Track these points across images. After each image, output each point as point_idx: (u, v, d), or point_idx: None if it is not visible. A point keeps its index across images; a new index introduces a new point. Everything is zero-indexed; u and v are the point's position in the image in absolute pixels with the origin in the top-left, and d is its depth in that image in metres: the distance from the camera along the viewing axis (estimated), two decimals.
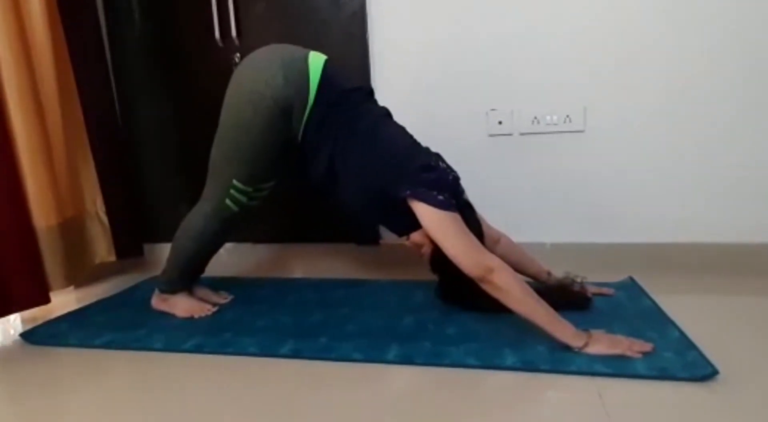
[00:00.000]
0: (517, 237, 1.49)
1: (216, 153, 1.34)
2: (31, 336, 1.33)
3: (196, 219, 1.39)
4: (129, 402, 1.01)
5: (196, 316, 1.41)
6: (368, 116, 1.28)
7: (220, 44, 1.89)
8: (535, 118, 1.69)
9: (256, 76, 1.23)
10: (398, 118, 1.81)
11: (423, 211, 1.17)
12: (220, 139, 1.32)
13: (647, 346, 1.05)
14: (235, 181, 1.31)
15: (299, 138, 1.27)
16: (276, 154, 1.30)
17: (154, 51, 1.98)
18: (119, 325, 1.38)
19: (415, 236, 1.30)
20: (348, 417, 0.92)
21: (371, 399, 0.98)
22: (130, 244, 1.89)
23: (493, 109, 1.72)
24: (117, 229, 1.81)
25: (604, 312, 1.28)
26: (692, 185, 1.61)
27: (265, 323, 1.34)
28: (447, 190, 1.20)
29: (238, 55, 1.89)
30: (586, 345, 1.05)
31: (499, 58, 1.69)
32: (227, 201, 1.34)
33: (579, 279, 1.36)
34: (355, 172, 1.24)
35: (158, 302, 1.47)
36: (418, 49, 1.76)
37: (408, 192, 1.18)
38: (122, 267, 1.96)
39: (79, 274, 1.68)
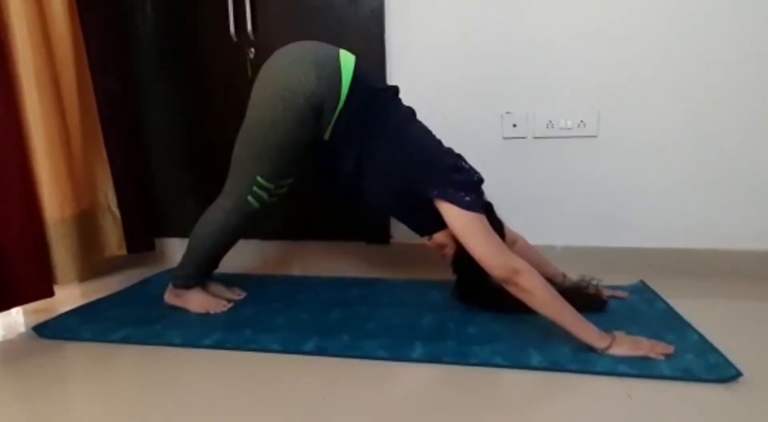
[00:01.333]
0: (528, 240, 1.51)
1: (241, 149, 1.32)
2: (43, 330, 1.31)
3: (216, 214, 1.37)
4: (150, 398, 1.00)
5: (211, 312, 1.40)
6: (396, 116, 1.28)
7: (235, 39, 1.87)
8: (550, 122, 1.71)
9: (289, 73, 1.22)
10: None
11: (450, 212, 1.18)
12: (247, 134, 1.31)
13: (669, 349, 1.07)
14: (258, 178, 1.31)
15: (327, 136, 1.27)
16: (302, 151, 1.30)
17: (166, 44, 1.96)
18: (133, 320, 1.36)
19: (439, 237, 1.30)
20: (378, 414, 0.92)
21: (398, 396, 0.98)
22: (141, 239, 1.87)
23: (508, 112, 1.74)
24: (128, 223, 1.79)
25: (620, 315, 1.30)
26: (703, 191, 1.65)
27: (283, 320, 1.33)
28: (473, 191, 1.21)
29: (252, 50, 1.88)
30: (609, 346, 1.07)
31: (516, 62, 1.71)
32: (249, 197, 1.33)
33: (594, 282, 1.38)
34: (382, 172, 1.24)
35: (172, 297, 1.45)
36: (435, 50, 1.77)
37: (436, 192, 1.18)
38: (127, 261, 1.93)
39: (89, 268, 1.65)
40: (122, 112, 1.80)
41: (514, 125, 1.74)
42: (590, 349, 1.08)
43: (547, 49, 1.68)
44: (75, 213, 1.57)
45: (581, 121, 1.69)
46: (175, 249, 2.07)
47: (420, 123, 1.33)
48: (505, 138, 1.76)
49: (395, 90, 1.35)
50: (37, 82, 1.43)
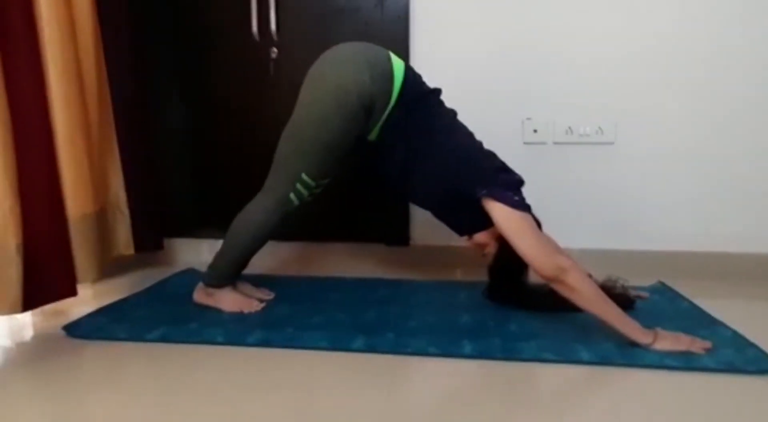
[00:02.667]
0: None
1: (287, 146, 1.32)
2: (74, 330, 1.26)
3: (256, 213, 1.36)
4: (200, 395, 0.98)
5: (245, 311, 1.38)
6: (442, 118, 1.31)
7: (257, 38, 1.86)
8: (569, 128, 1.77)
9: (342, 72, 1.23)
10: None
11: (499, 211, 1.20)
12: (295, 132, 1.30)
13: (707, 344, 1.12)
14: (303, 175, 1.30)
15: (373, 137, 1.28)
16: (347, 150, 1.31)
17: (186, 43, 1.94)
18: (166, 319, 1.32)
19: (480, 236, 1.33)
20: (438, 409, 0.93)
21: (454, 391, 1.00)
22: (149, 238, 1.82)
23: (528, 118, 1.79)
24: (137, 222, 1.74)
25: (646, 313, 1.34)
26: (717, 196, 1.73)
27: (321, 319, 1.33)
28: (519, 191, 1.24)
29: (275, 49, 1.88)
30: (653, 342, 1.11)
31: (537, 70, 1.76)
32: (291, 195, 1.33)
33: (621, 282, 1.43)
34: (429, 172, 1.26)
35: (203, 296, 1.43)
36: (458, 56, 1.81)
37: (484, 191, 1.21)
38: (133, 261, 1.87)
39: (104, 267, 1.60)
40: (137, 112, 1.76)
41: (535, 131, 1.79)
42: (634, 345, 1.12)
43: (567, 58, 1.75)
44: (94, 210, 1.52)
45: (599, 128, 1.76)
46: (182, 250, 2.03)
47: (463, 125, 1.36)
48: (525, 143, 1.81)
49: (439, 92, 1.38)
50: (63, 78, 1.39)
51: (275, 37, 1.86)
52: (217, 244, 2.00)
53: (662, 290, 1.54)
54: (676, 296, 1.49)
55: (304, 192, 1.34)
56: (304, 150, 1.29)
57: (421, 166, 1.26)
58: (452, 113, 1.37)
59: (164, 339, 1.21)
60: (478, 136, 1.76)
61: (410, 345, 1.16)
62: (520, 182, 1.30)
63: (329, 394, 0.98)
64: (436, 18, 1.80)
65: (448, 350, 1.13)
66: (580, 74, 1.75)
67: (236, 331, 1.24)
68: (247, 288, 1.51)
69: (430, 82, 1.82)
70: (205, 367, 1.09)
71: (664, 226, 1.77)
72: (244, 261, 1.45)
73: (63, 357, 1.14)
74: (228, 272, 1.41)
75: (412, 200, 1.32)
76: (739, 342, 1.15)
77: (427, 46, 1.82)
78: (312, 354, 1.15)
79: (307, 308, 1.41)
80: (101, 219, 1.62)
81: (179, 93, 1.97)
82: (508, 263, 1.27)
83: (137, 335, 1.23)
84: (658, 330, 1.14)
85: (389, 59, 1.27)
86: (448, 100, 1.82)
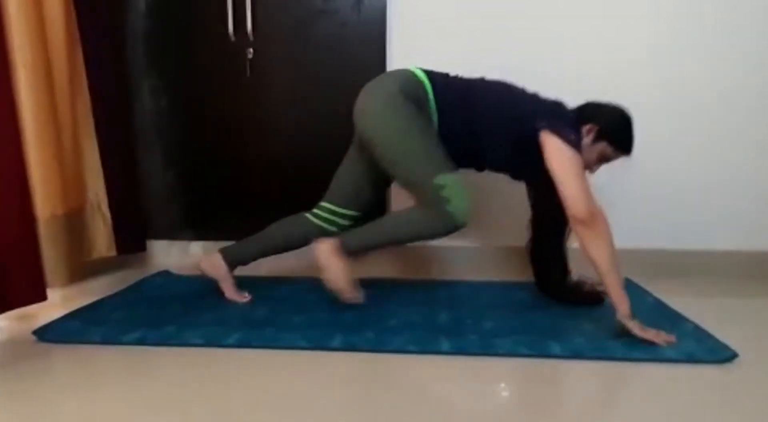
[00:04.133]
0: (520, 241, 1.61)
1: (403, 174, 1.31)
2: (46, 334, 1.23)
3: (427, 221, 1.29)
4: (178, 397, 0.97)
5: (347, 295, 1.34)
6: (479, 81, 1.39)
7: (233, 39, 1.85)
8: None
9: (376, 91, 1.33)
10: None
11: (554, 144, 1.23)
12: (396, 159, 1.30)
13: (671, 338, 1.18)
14: (435, 181, 1.25)
15: (437, 125, 1.33)
16: (437, 139, 1.31)
17: (163, 43, 1.91)
18: (142, 321, 1.30)
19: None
20: (417, 405, 0.96)
21: (430, 386, 1.03)
22: (131, 240, 1.79)
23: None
24: (119, 224, 1.71)
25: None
26: (680, 194, 1.82)
27: (302, 319, 1.33)
28: (578, 132, 1.27)
29: (251, 50, 1.87)
30: (633, 318, 1.18)
31: (513, 71, 1.78)
32: (448, 207, 1.25)
33: (590, 281, 1.49)
34: (495, 129, 1.31)
35: (330, 255, 1.33)
36: (434, 57, 1.82)
37: (544, 123, 1.24)
38: (110, 263, 1.83)
39: (79, 270, 1.56)
40: (116, 111, 1.73)
41: None
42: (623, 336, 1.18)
43: (544, 60, 1.80)
44: (65, 212, 1.48)
45: None
46: (160, 252, 2.00)
47: (513, 84, 1.41)
48: None
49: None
50: (32, 76, 1.36)
51: (251, 38, 1.85)
52: (196, 246, 2.01)
53: (629, 286, 1.60)
54: (643, 292, 1.56)
55: (455, 188, 1.27)
56: (414, 160, 1.28)
57: (486, 128, 1.31)
58: (496, 82, 1.41)
59: (141, 341, 1.20)
60: None
61: (390, 343, 1.18)
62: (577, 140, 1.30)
63: (308, 393, 0.99)
64: (413, 19, 1.83)
65: (427, 347, 1.16)
66: (556, 76, 1.79)
67: (215, 333, 1.23)
68: (229, 287, 1.49)
69: None
70: (183, 369, 1.09)
71: (629, 224, 1.84)
72: (380, 248, 1.39)
73: (34, 362, 1.11)
74: (364, 251, 1.37)
75: (489, 167, 1.39)
76: (700, 334, 1.22)
77: (403, 47, 1.84)
78: (291, 353, 1.16)
79: (288, 308, 1.41)
80: (76, 221, 1.59)
81: (156, 93, 1.94)
82: (546, 258, 1.30)
83: (113, 338, 1.21)
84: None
85: (404, 68, 1.39)
86: None
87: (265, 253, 1.50)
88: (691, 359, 1.10)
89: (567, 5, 1.79)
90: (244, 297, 1.49)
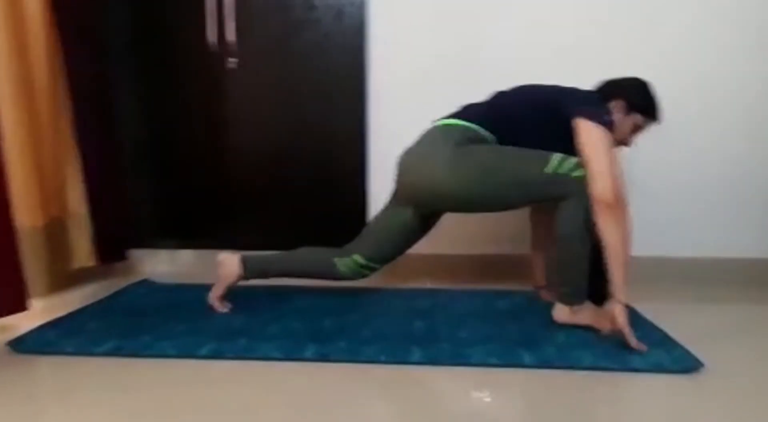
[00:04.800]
0: (501, 249, 1.62)
1: (519, 196, 1.32)
2: (20, 345, 1.23)
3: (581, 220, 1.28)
4: (153, 411, 0.98)
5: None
6: (498, 95, 1.46)
7: (215, 48, 1.87)
8: None
9: (431, 161, 1.34)
10: (394, 130, 1.90)
11: (585, 128, 1.24)
12: (501, 194, 1.31)
13: (643, 346, 1.19)
14: (548, 167, 1.26)
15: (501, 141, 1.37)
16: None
17: (145, 52, 1.92)
18: (117, 332, 1.31)
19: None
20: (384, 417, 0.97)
21: (400, 398, 1.04)
22: (112, 249, 1.79)
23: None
24: (100, 233, 1.71)
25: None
26: (656, 201, 1.84)
27: (277, 329, 1.34)
28: (610, 118, 1.29)
29: (233, 60, 1.89)
30: (626, 306, 1.20)
31: (494, 78, 1.80)
32: (575, 174, 1.25)
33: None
34: (532, 120, 1.34)
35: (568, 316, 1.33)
36: (415, 65, 1.86)
37: (578, 109, 1.26)
38: (93, 273, 1.83)
39: (61, 280, 1.56)
40: (97, 119, 1.74)
41: None
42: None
43: (525, 66, 1.81)
44: (46, 222, 1.49)
45: None
46: (143, 261, 2.01)
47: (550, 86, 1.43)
48: None
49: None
50: (13, 87, 1.37)
51: (233, 48, 1.87)
52: (179, 254, 2.01)
53: None
54: None
55: (566, 160, 1.26)
56: (512, 175, 1.29)
57: (528, 129, 1.35)
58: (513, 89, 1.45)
59: (114, 352, 1.20)
60: None
61: (362, 353, 1.19)
62: (609, 119, 1.31)
63: (279, 404, 1.00)
64: (394, 29, 1.85)
65: (398, 357, 1.17)
66: (536, 80, 1.82)
67: (188, 343, 1.24)
68: (219, 292, 1.50)
69: (388, 92, 1.89)
70: (155, 381, 1.09)
71: None
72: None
73: (6, 374, 1.12)
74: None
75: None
76: (668, 343, 1.24)
77: (385, 57, 1.86)
78: (264, 364, 1.16)
79: (264, 318, 1.42)
80: (57, 231, 1.59)
81: (138, 103, 1.95)
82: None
83: (86, 349, 1.21)
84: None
85: (432, 130, 1.42)
86: (406, 111, 1.89)
87: (283, 275, 1.53)
88: (658, 369, 1.11)
89: (550, 12, 1.82)
90: (224, 307, 1.50)
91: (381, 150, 1.92)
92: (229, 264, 1.49)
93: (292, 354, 1.18)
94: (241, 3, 1.85)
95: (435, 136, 1.38)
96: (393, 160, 1.93)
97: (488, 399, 1.02)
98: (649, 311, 1.46)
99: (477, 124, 1.35)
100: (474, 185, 1.30)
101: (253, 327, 1.35)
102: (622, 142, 1.42)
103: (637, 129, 1.41)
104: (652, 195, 1.85)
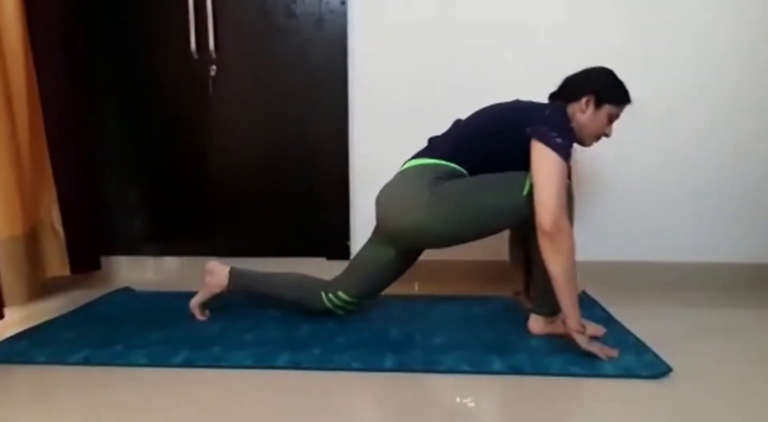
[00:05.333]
0: (480, 256, 1.62)
1: (498, 223, 1.32)
2: None
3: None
4: (121, 420, 0.98)
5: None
6: (461, 123, 1.45)
7: (196, 56, 1.87)
8: None
9: (408, 202, 1.31)
10: (374, 138, 1.92)
11: (537, 149, 1.22)
12: (481, 222, 1.29)
13: (614, 352, 1.20)
14: (525, 190, 1.25)
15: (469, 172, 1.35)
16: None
17: (123, 59, 1.92)
18: (91, 341, 1.31)
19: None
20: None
21: (372, 406, 1.04)
22: (86, 258, 1.78)
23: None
24: (72, 242, 1.71)
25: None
26: (637, 207, 1.86)
27: (252, 337, 1.34)
28: (566, 135, 1.25)
29: (214, 67, 1.89)
30: (584, 332, 1.20)
31: (474, 88, 1.83)
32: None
33: None
34: (497, 143, 1.32)
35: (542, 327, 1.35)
36: (395, 74, 1.88)
37: (530, 129, 1.24)
38: (69, 281, 1.82)
39: (38, 289, 1.56)
40: (70, 127, 1.73)
41: None
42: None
43: (505, 77, 1.83)
44: (24, 231, 1.49)
45: None
46: (124, 268, 2.00)
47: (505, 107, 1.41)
48: None
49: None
50: None
51: (214, 55, 1.87)
52: (163, 261, 2.01)
53: (582, 299, 1.63)
54: (594, 304, 1.59)
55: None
56: (492, 207, 1.28)
57: (497, 152, 1.33)
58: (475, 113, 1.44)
59: (87, 362, 1.20)
60: (414, 150, 1.82)
61: (334, 360, 1.19)
62: (571, 135, 1.29)
63: (250, 414, 1.00)
64: (374, 37, 1.86)
65: (370, 364, 1.17)
66: (516, 92, 1.84)
67: (161, 352, 1.24)
68: (201, 300, 1.50)
69: (368, 99, 1.90)
70: (124, 391, 1.09)
71: (586, 238, 1.87)
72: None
73: None
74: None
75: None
76: (640, 348, 1.24)
77: (365, 65, 1.87)
78: (236, 373, 1.16)
79: (242, 325, 1.42)
80: (32, 240, 1.59)
81: (118, 109, 1.95)
82: None
83: (58, 358, 1.21)
84: (586, 323, 1.23)
85: (406, 170, 1.39)
86: (386, 118, 1.90)
87: (266, 296, 1.51)
88: (627, 374, 1.12)
89: (528, 21, 1.84)
90: (204, 315, 1.50)
91: (364, 155, 1.93)
92: (217, 273, 1.48)
93: (263, 362, 1.18)
94: (222, 11, 1.86)
95: (410, 176, 1.35)
96: (376, 164, 1.95)
97: (472, 405, 1.01)
98: (623, 314, 1.47)
99: (447, 160, 1.33)
100: (455, 223, 1.29)
101: (229, 335, 1.35)
102: (599, 135, 1.39)
103: (612, 118, 1.38)
104: (628, 200, 1.87)
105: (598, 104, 1.34)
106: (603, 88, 1.35)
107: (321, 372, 1.16)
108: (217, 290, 1.48)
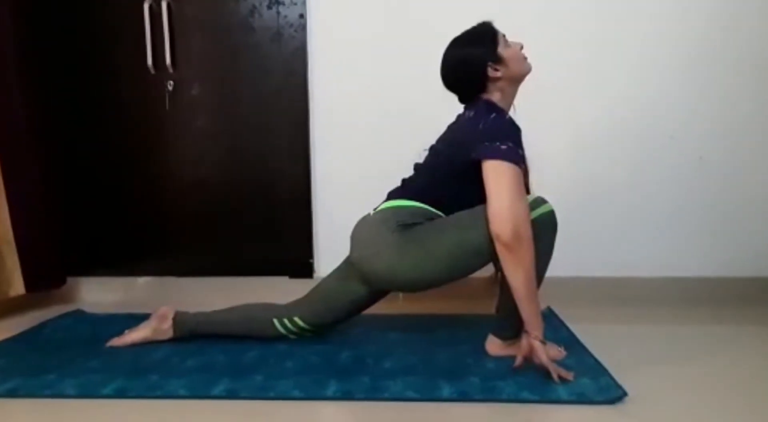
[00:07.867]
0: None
1: (467, 265, 1.25)
2: None
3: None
4: None
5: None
6: (420, 166, 1.40)
7: (152, 71, 1.83)
8: None
9: (378, 245, 1.26)
10: (336, 154, 1.88)
11: (487, 166, 1.15)
12: (450, 267, 1.24)
13: (569, 375, 1.14)
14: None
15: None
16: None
17: (81, 75, 1.88)
18: (24, 370, 1.24)
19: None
20: None
21: None
22: (44, 276, 1.72)
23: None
24: (29, 259, 1.65)
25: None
26: (606, 223, 1.82)
27: (194, 363, 1.27)
28: (510, 138, 1.18)
29: (171, 82, 1.85)
30: (545, 342, 1.15)
31: (435, 101, 1.78)
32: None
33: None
34: (451, 173, 1.26)
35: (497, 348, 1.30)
36: (356, 87, 1.84)
37: (474, 154, 1.17)
38: (28, 302, 1.76)
39: None
40: (24, 145, 1.69)
41: None
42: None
43: None
44: None
45: None
46: (82, 289, 1.93)
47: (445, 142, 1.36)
48: None
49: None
50: None
51: (171, 71, 1.84)
52: (120, 282, 1.95)
53: (548, 316, 1.58)
54: (560, 324, 1.53)
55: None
56: (459, 248, 1.22)
57: (458, 183, 1.27)
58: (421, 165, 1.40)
59: (12, 393, 1.13)
60: (377, 167, 1.78)
61: (275, 388, 1.13)
62: (518, 129, 1.23)
63: None
64: (334, 51, 1.83)
65: (311, 392, 1.11)
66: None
67: (93, 382, 1.17)
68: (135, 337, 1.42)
69: (328, 114, 1.86)
70: None
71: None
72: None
73: None
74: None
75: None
76: (598, 370, 1.18)
77: (325, 79, 1.84)
78: (170, 403, 1.10)
79: (185, 350, 1.35)
80: None
81: (74, 126, 1.91)
82: None
83: None
84: (548, 344, 1.18)
85: (376, 214, 1.33)
86: (348, 132, 1.86)
87: (214, 335, 1.43)
88: (580, 399, 1.06)
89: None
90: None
91: (325, 171, 1.89)
92: (167, 322, 1.41)
93: (199, 392, 1.12)
94: (179, 25, 1.83)
95: (384, 219, 1.29)
96: (338, 180, 1.92)
97: None
98: (586, 332, 1.43)
99: (419, 201, 1.28)
100: (423, 267, 1.23)
101: (170, 361, 1.29)
102: (521, 59, 1.28)
103: (514, 55, 1.27)
104: (589, 214, 1.82)
105: (494, 69, 1.25)
106: (480, 55, 1.25)
107: (259, 401, 1.09)
108: (161, 337, 1.40)
